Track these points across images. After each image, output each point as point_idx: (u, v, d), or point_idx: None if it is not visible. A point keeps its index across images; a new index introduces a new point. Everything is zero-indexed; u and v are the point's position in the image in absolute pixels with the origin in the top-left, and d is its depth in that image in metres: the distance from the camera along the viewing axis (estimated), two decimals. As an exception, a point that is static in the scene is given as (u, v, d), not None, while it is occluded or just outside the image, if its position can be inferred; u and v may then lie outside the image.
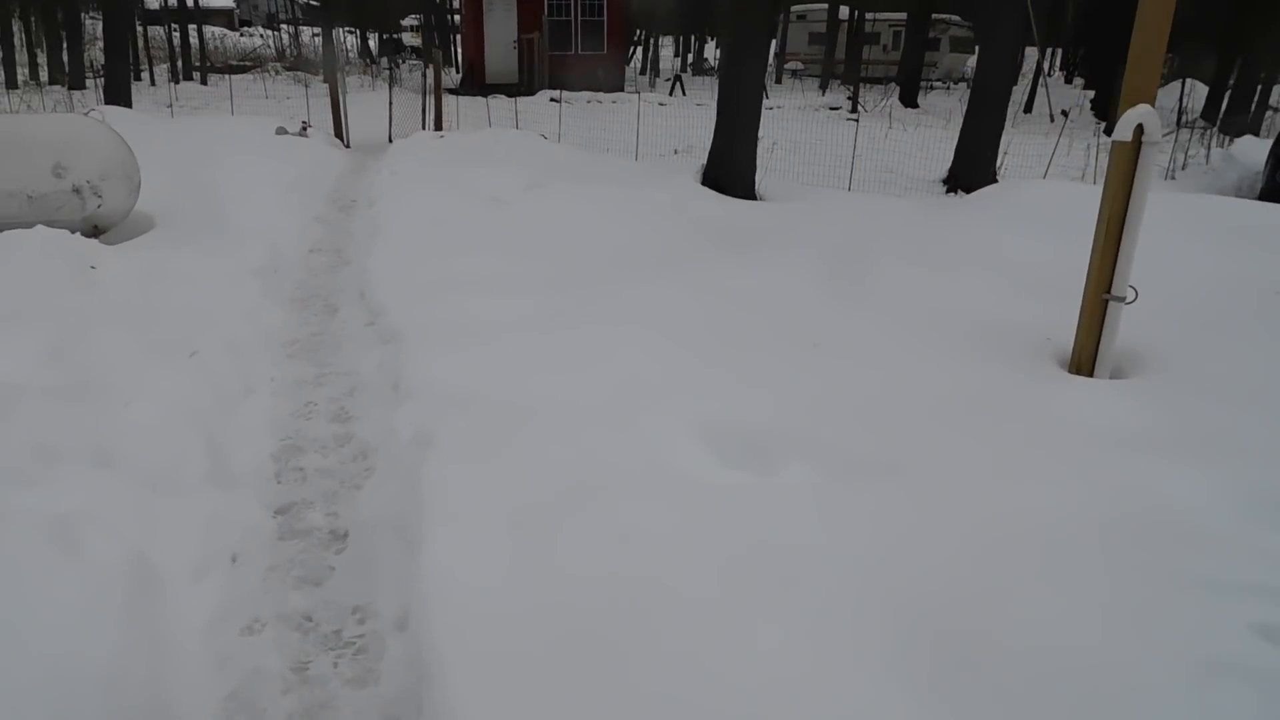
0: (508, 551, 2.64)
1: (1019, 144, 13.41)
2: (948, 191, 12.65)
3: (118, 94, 13.87)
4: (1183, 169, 13.94)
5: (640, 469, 3.09)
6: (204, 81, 23.62)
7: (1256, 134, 19.75)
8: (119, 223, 7.31)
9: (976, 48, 44.91)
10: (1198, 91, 24.95)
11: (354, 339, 5.16)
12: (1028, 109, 25.45)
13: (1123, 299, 4.42)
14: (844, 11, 34.91)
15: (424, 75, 14.93)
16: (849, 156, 12.98)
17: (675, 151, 14.59)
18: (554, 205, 8.77)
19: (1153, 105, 4.37)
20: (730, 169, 10.18)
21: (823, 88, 32.34)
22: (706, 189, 10.14)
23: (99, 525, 2.71)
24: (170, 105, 17.91)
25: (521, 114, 15.96)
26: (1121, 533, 2.72)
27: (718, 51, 47.02)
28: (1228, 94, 23.19)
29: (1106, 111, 22.97)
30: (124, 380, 3.72)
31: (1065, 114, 23.87)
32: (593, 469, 3.08)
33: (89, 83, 19.20)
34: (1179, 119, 25.25)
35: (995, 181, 12.65)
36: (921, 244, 7.46)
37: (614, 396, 3.76)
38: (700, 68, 40.36)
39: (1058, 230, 7.52)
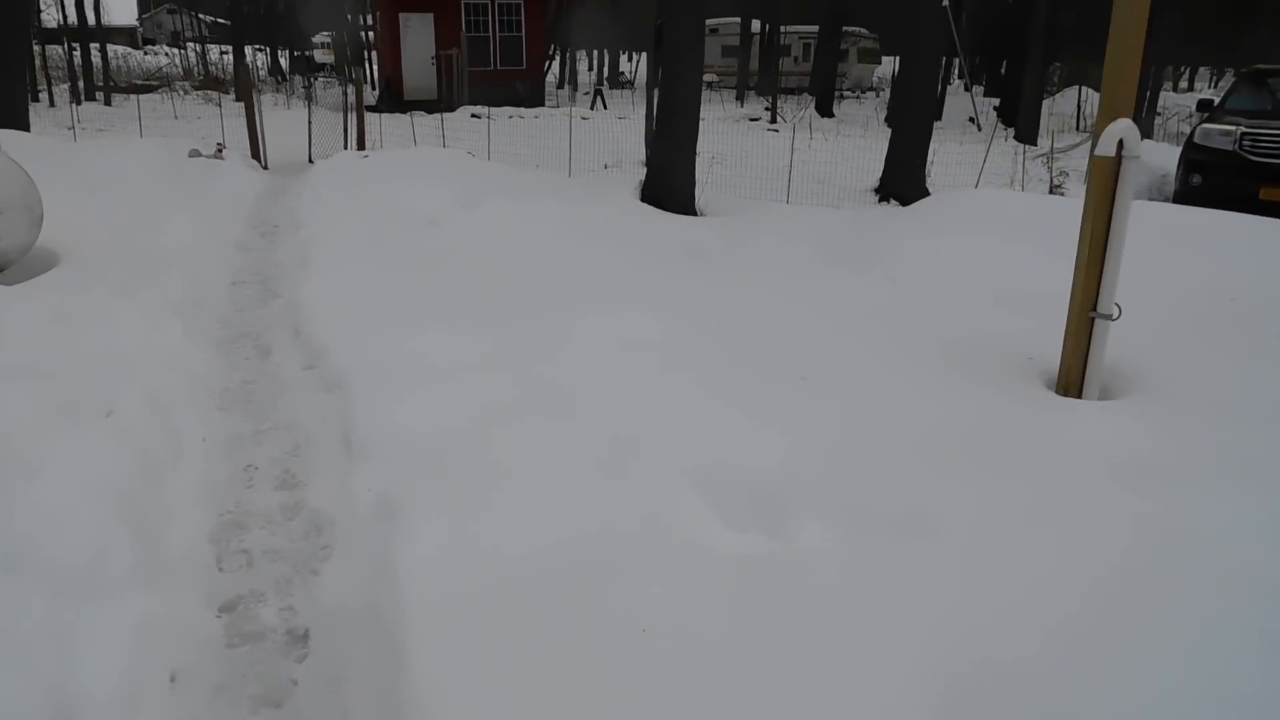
0: (514, 661, 2.26)
1: (941, 152, 13.48)
2: (880, 200, 12.63)
3: (13, 117, 12.96)
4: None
5: (640, 534, 2.76)
6: (108, 102, 22.49)
7: (1149, 137, 20.37)
8: (18, 260, 6.67)
9: (886, 58, 46.01)
10: (1093, 98, 25.69)
11: (293, 385, 4.69)
12: (938, 117, 25.83)
13: (1109, 316, 4.27)
14: (755, 24, 35.36)
15: (344, 93, 14.37)
16: (777, 167, 12.91)
17: (605, 166, 14.32)
18: (494, 225, 8.39)
19: (1130, 117, 4.24)
20: (669, 184, 9.94)
21: (739, 99, 32.58)
22: (646, 205, 9.88)
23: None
24: (72, 127, 16.93)
25: (445, 131, 15.51)
26: (1177, 581, 2.50)
27: (637, 66, 47.04)
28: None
29: (1013, 118, 23.52)
30: (27, 451, 3.21)
31: (974, 120, 24.33)
32: (590, 538, 2.73)
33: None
34: (1078, 124, 26.09)
35: (925, 189, 12.72)
36: (878, 256, 7.31)
37: (595, 443, 3.42)
38: (616, 81, 40.25)
39: (1009, 239, 7.46)
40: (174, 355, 4.94)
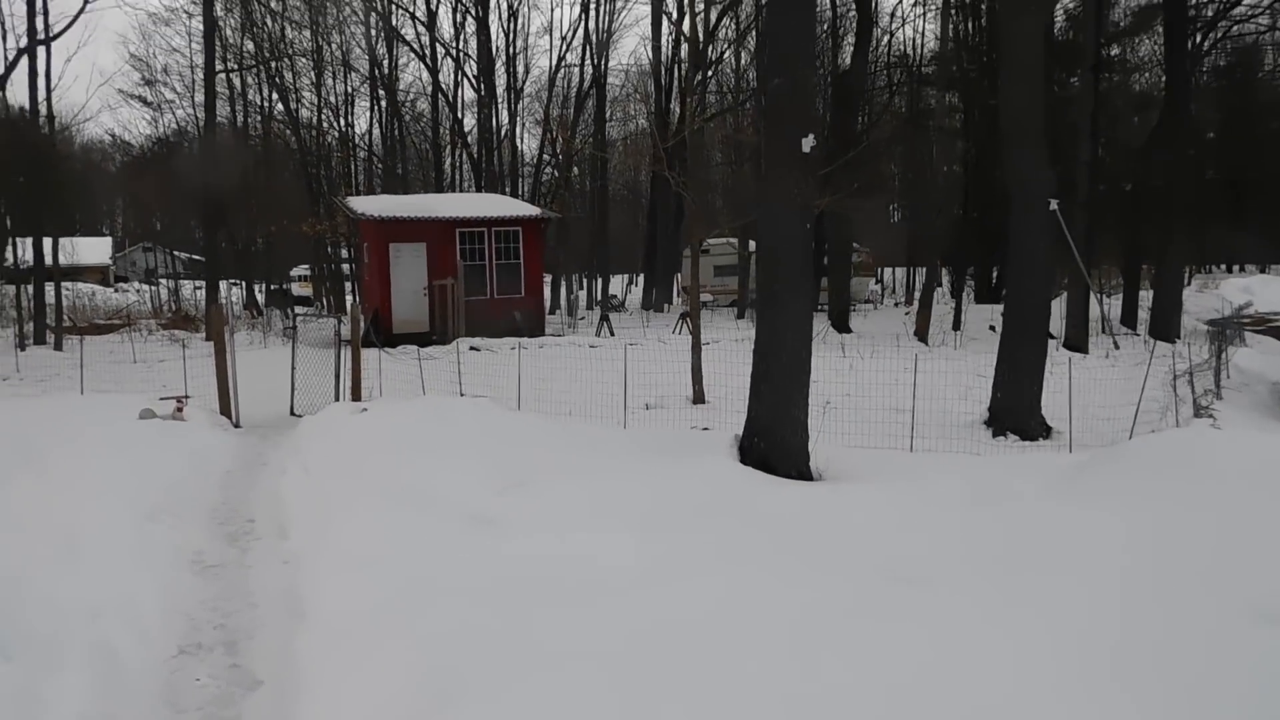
0: None
1: (1057, 372, 11.33)
2: (995, 435, 10.39)
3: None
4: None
5: None
6: (58, 346, 20.22)
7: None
8: None
9: (880, 270, 45.75)
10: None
11: None
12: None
13: None
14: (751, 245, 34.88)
15: (337, 331, 12.14)
16: (841, 397, 10.74)
17: (646, 407, 12.04)
18: (564, 523, 5.84)
19: None
20: (779, 442, 7.56)
21: (740, 316, 31.32)
22: (750, 470, 7.43)
23: None
24: (5, 379, 14.51)
25: (448, 370, 13.26)
26: None
27: (629, 289, 46.43)
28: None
29: (1132, 322, 22.14)
30: None
31: (1108, 332, 22.24)
32: None
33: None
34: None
35: (1044, 421, 10.50)
36: (1137, 554, 4.80)
37: None
38: (608, 305, 39.17)
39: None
40: None
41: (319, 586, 4.75)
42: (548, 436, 8.60)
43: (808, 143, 7.54)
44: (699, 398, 12.54)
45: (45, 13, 20.80)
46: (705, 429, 10.40)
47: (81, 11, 21.94)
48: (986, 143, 26.33)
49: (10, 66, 21.28)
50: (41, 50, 20.67)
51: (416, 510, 6.19)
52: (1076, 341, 18.61)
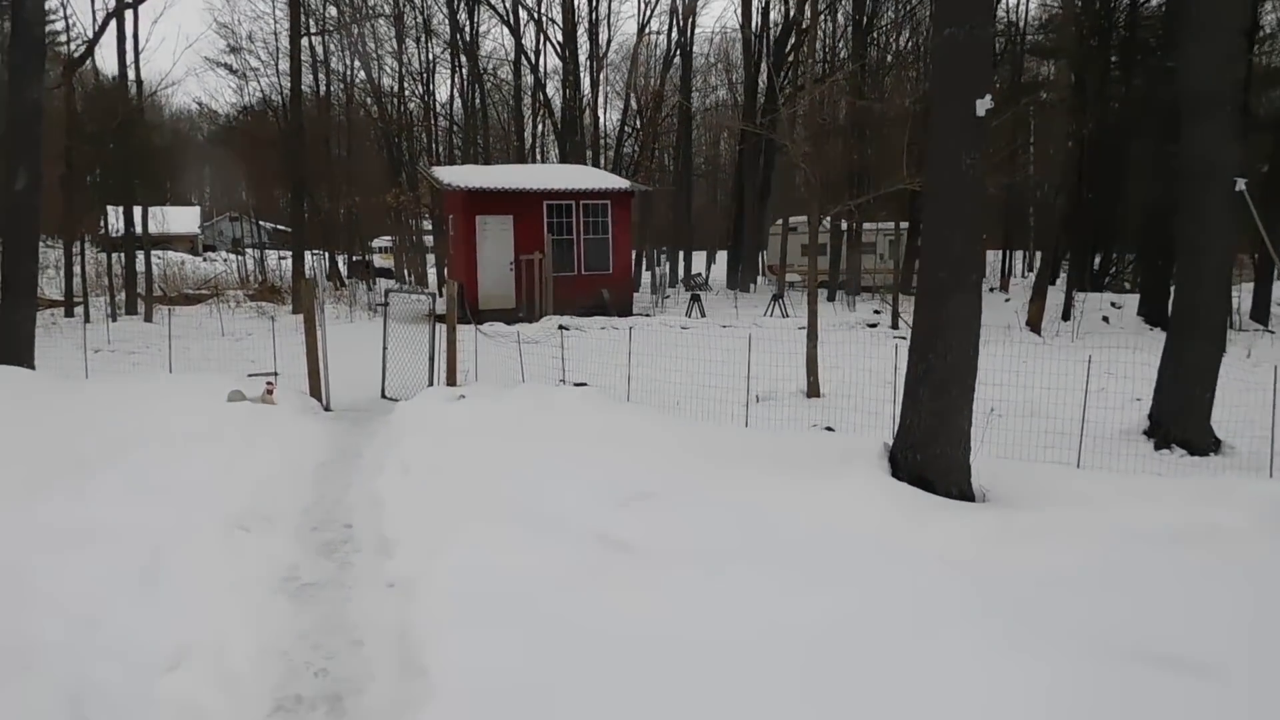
0: None
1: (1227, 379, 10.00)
2: (1158, 448, 9.21)
3: (15, 352, 10.18)
4: None
5: None
6: (148, 318, 20.13)
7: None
8: None
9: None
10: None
11: None
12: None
13: None
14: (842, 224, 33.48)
15: (432, 309, 11.44)
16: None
17: (758, 399, 11.10)
18: (709, 549, 4.99)
19: None
20: (938, 456, 6.59)
21: (831, 299, 30.07)
22: (905, 487, 6.47)
23: None
24: (98, 351, 14.25)
25: (538, 351, 12.50)
26: None
27: (710, 267, 45.22)
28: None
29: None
30: None
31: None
32: None
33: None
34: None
35: (1213, 434, 9.27)
36: None
37: None
38: (693, 283, 38.17)
39: None
40: None
41: (438, 632, 3.98)
42: (664, 435, 7.76)
43: (983, 105, 6.49)
44: (814, 390, 11.58)
45: (134, -26, 20.58)
46: (829, 429, 9.47)
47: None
48: (1104, 117, 24.43)
49: (100, 30, 21.16)
50: (129, 15, 20.48)
51: (534, 527, 5.41)
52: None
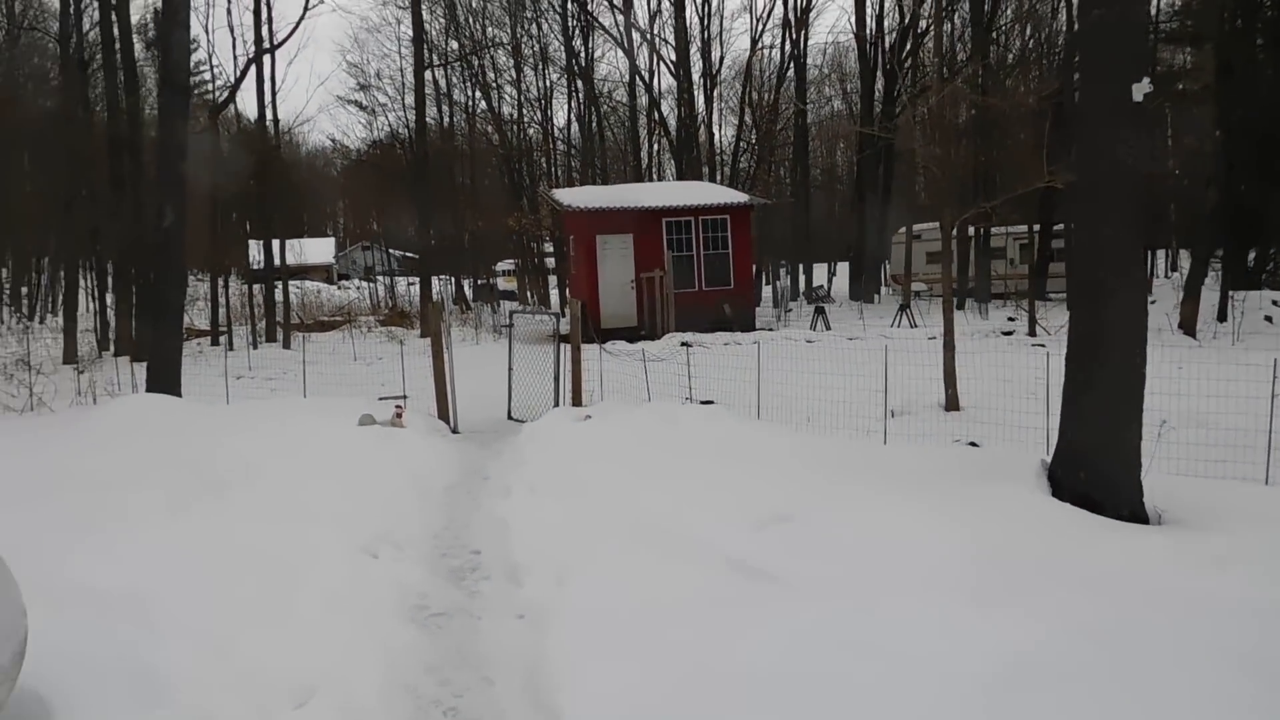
0: None
1: None
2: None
3: (165, 381, 10.62)
4: None
5: None
6: (286, 344, 20.98)
7: None
8: None
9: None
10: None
11: None
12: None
13: None
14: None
15: (556, 330, 11.37)
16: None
17: (892, 414, 10.52)
18: (861, 577, 4.60)
19: None
20: (1105, 473, 5.98)
21: (961, 307, 28.83)
22: (1069, 508, 5.89)
23: None
24: (239, 377, 14.83)
25: (662, 369, 12.23)
26: None
27: (832, 279, 44.31)
28: None
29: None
30: None
31: None
32: None
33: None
34: None
35: None
36: None
37: None
38: (814, 295, 37.38)
39: None
40: None
41: (570, 669, 3.73)
42: (798, 453, 7.38)
43: (1140, 89, 5.89)
44: (953, 403, 10.92)
45: (269, 21, 21.64)
46: (974, 444, 8.86)
47: (302, 18, 22.72)
48: (1253, 104, 22.55)
49: (241, 75, 22.32)
50: (266, 59, 21.53)
51: (666, 552, 5.13)
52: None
